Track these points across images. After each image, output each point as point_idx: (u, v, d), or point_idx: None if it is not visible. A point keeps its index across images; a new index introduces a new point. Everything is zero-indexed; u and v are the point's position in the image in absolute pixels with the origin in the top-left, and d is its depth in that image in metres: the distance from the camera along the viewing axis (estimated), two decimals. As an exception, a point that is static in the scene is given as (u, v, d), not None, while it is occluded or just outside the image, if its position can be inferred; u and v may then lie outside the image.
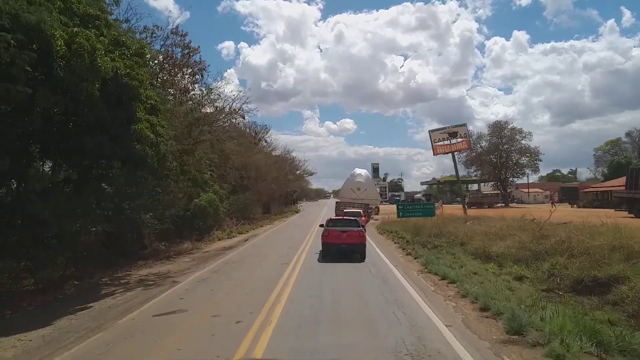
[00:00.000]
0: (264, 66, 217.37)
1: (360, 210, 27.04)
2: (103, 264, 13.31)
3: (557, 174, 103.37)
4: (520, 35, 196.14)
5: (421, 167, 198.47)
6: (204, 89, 18.39)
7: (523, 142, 48.55)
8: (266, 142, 49.61)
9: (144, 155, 9.47)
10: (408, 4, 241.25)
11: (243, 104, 19.08)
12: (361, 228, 14.66)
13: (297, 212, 52.63)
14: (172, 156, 15.24)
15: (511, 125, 49.38)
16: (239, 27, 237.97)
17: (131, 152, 9.44)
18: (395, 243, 18.08)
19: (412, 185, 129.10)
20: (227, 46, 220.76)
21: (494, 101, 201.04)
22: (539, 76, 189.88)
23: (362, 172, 40.80)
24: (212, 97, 19.18)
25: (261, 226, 29.30)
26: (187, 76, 15.58)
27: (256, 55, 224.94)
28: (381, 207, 45.30)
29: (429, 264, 11.27)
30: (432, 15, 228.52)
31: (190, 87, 16.09)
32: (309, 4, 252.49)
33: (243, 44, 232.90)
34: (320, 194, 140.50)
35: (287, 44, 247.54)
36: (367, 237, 20.38)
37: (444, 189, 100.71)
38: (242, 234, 23.85)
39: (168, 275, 11.64)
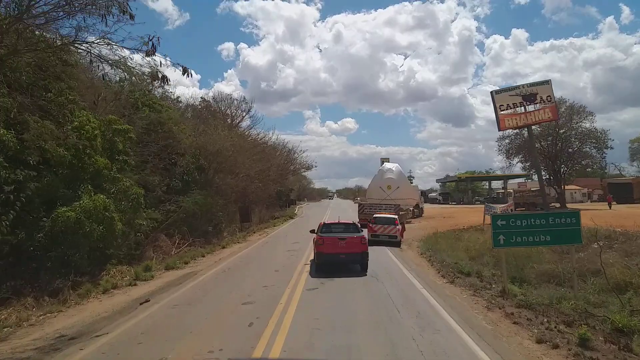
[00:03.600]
0: (264, 67, 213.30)
1: (396, 216, 19.93)
2: None
3: (588, 169, 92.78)
4: (519, 34, 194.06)
5: (423, 166, 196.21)
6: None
7: (584, 124, 36.13)
8: (250, 117, 38.71)
9: None
10: (406, 3, 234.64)
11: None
12: (362, 233, 12.07)
13: (292, 218, 39.42)
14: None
15: (568, 102, 36.73)
16: (238, 28, 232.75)
17: None
18: (525, 330, 6.63)
19: (416, 184, 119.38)
20: (227, 47, 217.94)
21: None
22: (539, 74, 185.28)
23: (393, 166, 33.97)
24: None
25: (222, 248, 17.53)
26: None
27: (256, 56, 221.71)
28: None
29: None
30: (430, 14, 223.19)
31: None
32: (307, 5, 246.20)
33: (243, 45, 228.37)
34: (322, 194, 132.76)
35: (286, 44, 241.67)
36: (426, 293, 9.63)
37: (459, 187, 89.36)
38: (172, 269, 12.76)
39: None
